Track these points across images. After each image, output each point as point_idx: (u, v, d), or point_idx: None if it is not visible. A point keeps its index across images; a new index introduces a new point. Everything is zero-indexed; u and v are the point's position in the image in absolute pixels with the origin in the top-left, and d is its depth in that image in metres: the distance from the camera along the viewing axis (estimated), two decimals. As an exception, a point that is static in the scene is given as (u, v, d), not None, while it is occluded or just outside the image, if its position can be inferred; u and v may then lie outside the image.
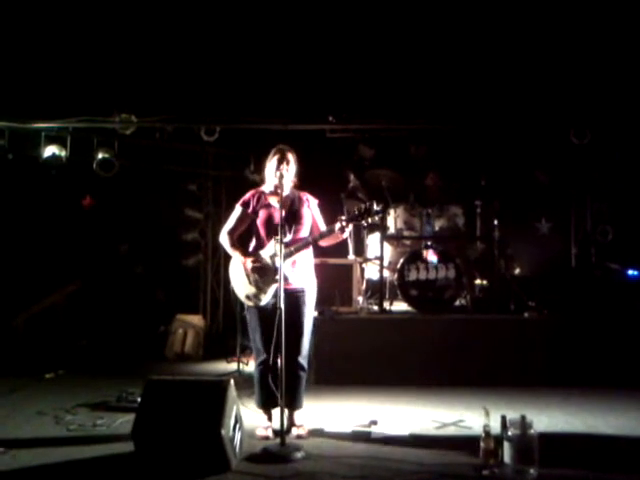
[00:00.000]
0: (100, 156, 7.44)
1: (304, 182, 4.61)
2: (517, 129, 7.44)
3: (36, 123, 7.17)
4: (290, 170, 4.33)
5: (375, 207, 4.10)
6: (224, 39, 7.60)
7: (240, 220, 4.42)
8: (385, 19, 7.55)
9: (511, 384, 5.71)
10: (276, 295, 4.05)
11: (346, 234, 4.23)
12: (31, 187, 7.71)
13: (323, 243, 4.37)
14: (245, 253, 4.33)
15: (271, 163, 4.34)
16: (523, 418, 3.59)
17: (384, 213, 6.94)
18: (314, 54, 7.65)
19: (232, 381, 3.70)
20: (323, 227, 4.46)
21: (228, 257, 4.49)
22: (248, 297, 4.28)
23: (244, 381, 5.67)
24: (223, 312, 8.61)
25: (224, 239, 4.43)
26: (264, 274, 4.19)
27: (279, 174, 4.24)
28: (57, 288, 8.00)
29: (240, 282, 4.31)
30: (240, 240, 4.44)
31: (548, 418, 4.75)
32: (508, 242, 7.43)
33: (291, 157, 4.35)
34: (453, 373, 5.90)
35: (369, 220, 4.16)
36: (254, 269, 4.19)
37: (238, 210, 4.43)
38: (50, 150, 7.23)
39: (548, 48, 7.56)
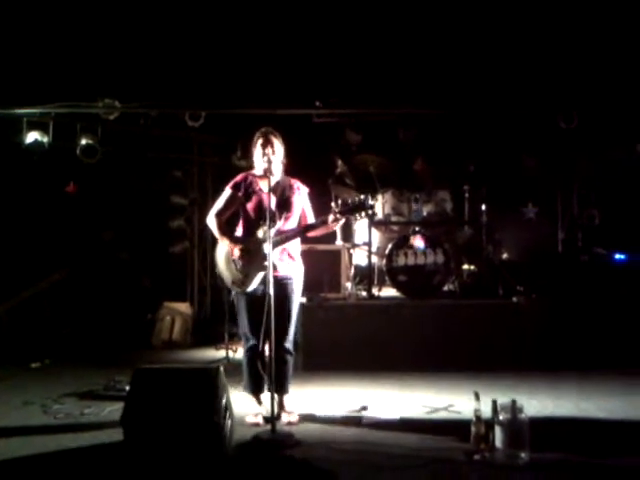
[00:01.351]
0: (83, 142, 7.31)
1: (291, 168, 4.56)
2: (505, 113, 7.42)
3: (18, 109, 7.03)
4: (277, 152, 4.26)
5: (370, 201, 4.07)
6: (209, 23, 7.47)
7: (229, 203, 4.35)
8: (372, 2, 7.47)
9: (501, 369, 5.71)
10: (263, 282, 4.01)
11: (337, 226, 4.19)
12: (13, 173, 7.57)
13: (312, 233, 4.33)
14: (233, 238, 4.27)
15: (257, 147, 4.27)
16: (514, 402, 3.58)
17: (372, 199, 6.89)
18: (300, 38, 7.54)
19: (221, 368, 3.66)
20: (312, 217, 4.41)
21: (215, 243, 4.43)
22: (234, 283, 4.24)
23: (233, 368, 5.61)
24: (211, 299, 8.57)
25: (211, 221, 4.35)
26: (252, 260, 4.13)
27: (266, 158, 4.18)
28: (42, 276, 7.88)
29: (226, 267, 4.25)
30: (228, 224, 4.37)
31: (539, 402, 4.76)
32: (496, 227, 7.42)
33: (275, 139, 4.28)
34: (442, 358, 5.89)
35: (362, 214, 4.13)
36: (242, 255, 4.14)
37: (227, 192, 4.36)
38: (32, 136, 7.10)
39: (535, 31, 7.51)
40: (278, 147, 4.29)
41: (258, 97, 7.18)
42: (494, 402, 3.65)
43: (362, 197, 4.09)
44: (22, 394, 5.14)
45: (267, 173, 4.12)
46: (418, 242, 6.49)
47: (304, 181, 4.55)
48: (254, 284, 4.14)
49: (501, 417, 3.57)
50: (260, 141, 4.27)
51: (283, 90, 7.40)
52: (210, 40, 7.51)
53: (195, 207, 8.60)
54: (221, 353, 6.59)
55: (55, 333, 7.59)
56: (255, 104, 7.06)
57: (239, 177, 4.39)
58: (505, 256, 7.77)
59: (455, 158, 7.52)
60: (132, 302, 8.31)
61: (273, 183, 4.17)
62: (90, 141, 7.35)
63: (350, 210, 4.10)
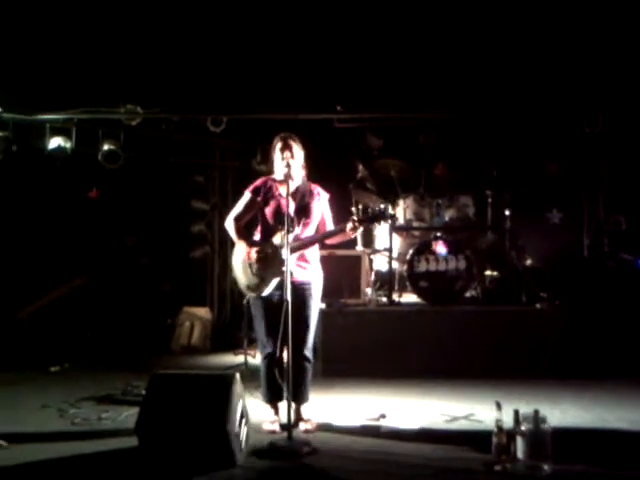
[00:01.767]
0: (106, 148, 7.35)
1: (312, 173, 4.52)
2: (528, 117, 7.30)
3: (41, 114, 7.08)
4: (296, 157, 4.22)
5: (390, 211, 4.02)
6: (230, 28, 7.49)
7: (248, 207, 4.32)
8: (393, 6, 7.42)
9: (523, 377, 5.59)
10: (279, 287, 3.97)
11: (355, 235, 4.13)
12: (36, 179, 7.63)
13: (330, 241, 4.28)
14: (250, 242, 4.24)
15: (276, 152, 4.24)
16: (536, 412, 3.49)
17: (394, 204, 6.85)
18: (321, 43, 7.52)
19: (237, 375, 3.62)
20: (331, 224, 4.36)
21: (234, 248, 4.40)
22: (249, 287, 4.20)
23: (251, 374, 5.59)
24: (230, 304, 8.54)
25: (230, 225, 4.33)
26: (268, 265, 4.09)
27: (285, 163, 4.14)
28: (63, 281, 7.93)
29: (242, 271, 4.21)
30: (246, 228, 4.34)
31: (561, 412, 4.64)
32: (519, 233, 7.30)
33: (294, 144, 4.24)
34: (464, 365, 5.80)
35: (381, 223, 4.07)
36: (259, 259, 4.10)
37: (247, 197, 4.33)
38: (55, 142, 7.14)
39: (560, 34, 7.40)
40: (297, 152, 4.25)
41: (279, 102, 7.17)
42: (516, 412, 3.56)
43: (382, 206, 4.03)
44: (40, 398, 5.15)
45: (287, 178, 4.08)
46: (440, 248, 6.40)
47: (325, 186, 4.50)
48: (269, 289, 4.10)
49: (523, 428, 3.48)
50: (279, 145, 4.24)
51: (304, 95, 7.38)
52: (232, 45, 7.52)
53: (216, 212, 8.59)
54: (240, 359, 6.54)
55: (75, 337, 7.63)
56: (276, 109, 7.05)
57: (259, 181, 4.36)
58: (529, 262, 7.63)
59: (477, 163, 7.42)
60: (152, 307, 8.31)
61: (293, 188, 4.13)
62: (112, 147, 7.37)
63: (369, 219, 4.05)
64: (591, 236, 8.32)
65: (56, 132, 7.17)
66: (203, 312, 7.84)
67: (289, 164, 4.14)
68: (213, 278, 8.58)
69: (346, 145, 7.92)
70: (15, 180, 7.46)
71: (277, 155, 4.23)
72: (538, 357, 5.84)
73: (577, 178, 8.20)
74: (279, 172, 4.25)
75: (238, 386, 3.56)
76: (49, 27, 7.07)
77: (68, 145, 7.18)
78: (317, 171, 4.65)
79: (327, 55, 7.54)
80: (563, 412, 4.67)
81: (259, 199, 4.28)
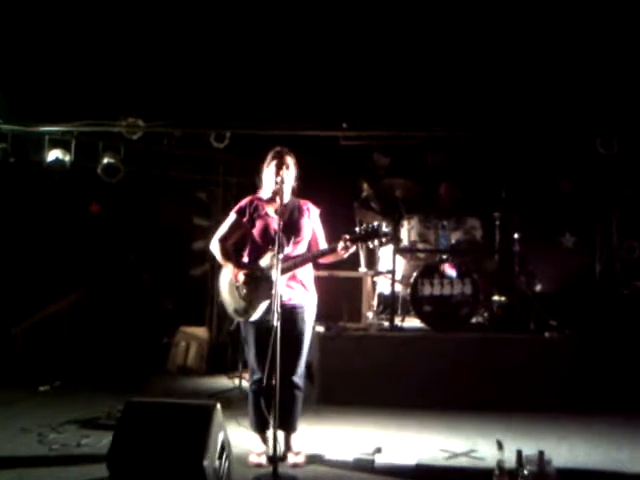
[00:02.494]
0: (105, 161, 7.22)
1: (315, 191, 4.32)
2: (540, 138, 7.09)
3: (40, 126, 7.00)
4: (290, 175, 4.02)
5: (384, 228, 3.78)
6: (234, 43, 7.35)
7: (234, 228, 4.12)
8: (402, 24, 7.26)
9: (529, 409, 5.31)
10: (269, 311, 3.73)
11: (347, 254, 3.90)
12: (34, 192, 7.49)
13: (323, 260, 4.06)
14: (238, 264, 4.03)
15: (269, 168, 4.04)
16: (541, 454, 3.23)
17: (398, 225, 6.63)
18: (328, 60, 7.36)
19: (218, 405, 3.38)
20: (323, 240, 4.15)
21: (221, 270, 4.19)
22: (237, 311, 3.98)
23: (245, 397, 5.30)
24: (228, 326, 8.30)
25: (215, 247, 4.13)
26: (256, 288, 3.87)
27: (279, 179, 3.93)
28: (60, 296, 7.76)
29: (229, 295, 4.01)
30: (234, 250, 4.14)
31: (568, 450, 4.36)
32: (529, 257, 7.03)
33: (290, 161, 4.04)
34: (467, 396, 5.51)
35: (375, 242, 3.84)
36: (246, 282, 3.88)
37: (232, 217, 4.14)
38: (54, 154, 7.04)
39: (575, 53, 7.19)
40: (292, 170, 4.05)
41: (284, 118, 7.01)
42: (519, 453, 3.30)
43: (376, 224, 3.80)
44: (22, 420, 4.93)
45: (276, 195, 3.87)
46: (448, 271, 6.16)
47: (328, 204, 4.29)
48: (258, 313, 3.87)
49: (526, 471, 3.21)
50: (275, 161, 4.03)
51: (310, 111, 7.21)
52: (237, 59, 7.38)
53: (217, 229, 8.38)
54: (234, 381, 6.28)
55: (71, 355, 7.43)
56: (281, 125, 6.89)
57: (244, 201, 4.16)
58: (538, 287, 7.36)
59: (486, 184, 7.18)
60: (151, 325, 8.12)
61: (280, 206, 3.91)
62: (112, 160, 7.24)
63: (362, 237, 3.82)
64: (603, 262, 8.06)
65: (55, 144, 7.07)
66: (200, 332, 7.62)
67: (283, 181, 3.93)
68: (213, 297, 8.35)
69: (351, 163, 7.73)
70: (12, 193, 7.31)
71: (270, 170, 4.02)
72: (545, 389, 5.53)
73: (590, 199, 7.96)
74: (268, 189, 4.06)
75: (219, 416, 3.32)
76: (49, 38, 6.96)
77: (67, 158, 7.08)
78: (321, 189, 4.45)
79: (334, 71, 7.37)
80: (571, 449, 4.40)
81: (245, 220, 4.08)
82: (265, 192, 4.11)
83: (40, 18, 6.87)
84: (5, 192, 7.23)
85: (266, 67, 7.36)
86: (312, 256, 3.99)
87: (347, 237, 3.80)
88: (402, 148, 7.56)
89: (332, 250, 3.90)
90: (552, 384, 5.56)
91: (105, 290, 8.14)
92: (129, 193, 7.92)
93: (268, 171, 4.05)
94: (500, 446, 3.36)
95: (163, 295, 8.52)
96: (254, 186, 7.70)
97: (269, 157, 4.07)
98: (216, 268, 8.24)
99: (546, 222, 7.79)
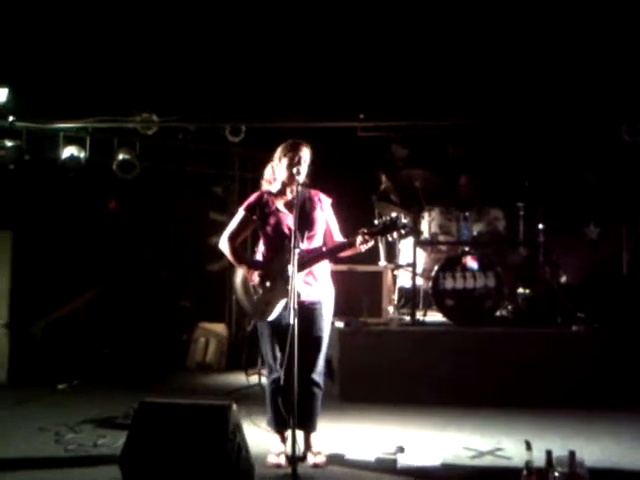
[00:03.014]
0: (120, 157, 7.18)
1: (333, 184, 4.19)
2: (563, 125, 6.89)
3: (54, 123, 6.97)
4: (304, 168, 3.88)
5: (402, 220, 3.63)
6: (249, 34, 7.22)
7: (243, 226, 3.98)
8: (420, 10, 7.08)
9: (557, 406, 5.14)
10: (286, 309, 3.62)
11: (366, 248, 3.76)
12: (49, 189, 7.43)
13: (340, 255, 3.90)
14: (251, 263, 3.90)
15: (283, 160, 3.89)
16: (572, 455, 3.06)
17: (418, 217, 6.48)
18: (344, 48, 7.21)
19: (234, 405, 3.26)
20: (337, 232, 4.00)
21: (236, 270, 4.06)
22: (255, 313, 3.87)
23: (263, 395, 5.21)
24: (247, 322, 8.20)
25: (224, 246, 3.98)
26: (273, 287, 3.75)
27: (296, 170, 3.79)
28: (78, 294, 7.71)
29: (245, 295, 3.89)
30: (244, 247, 4.02)
31: (600, 449, 4.18)
32: (554, 248, 6.83)
33: (307, 153, 3.90)
34: (492, 392, 5.35)
35: (394, 235, 3.69)
36: (262, 281, 3.76)
37: (241, 214, 3.98)
38: (69, 151, 7.02)
39: (596, 36, 6.97)
40: (307, 162, 3.90)
41: (300, 110, 6.88)
42: (549, 454, 3.14)
43: (394, 215, 3.65)
44: (40, 419, 4.85)
45: (290, 189, 3.74)
46: (470, 263, 5.99)
47: (347, 197, 4.16)
48: (276, 312, 3.75)
49: (557, 473, 3.05)
50: (291, 153, 3.87)
51: (326, 102, 7.07)
52: (251, 51, 7.25)
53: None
54: (253, 378, 6.18)
55: (90, 352, 7.38)
56: (297, 117, 6.77)
57: (253, 197, 4.01)
58: (564, 279, 7.16)
59: (509, 173, 6.99)
60: (170, 322, 8.05)
61: (290, 199, 3.76)
62: (127, 156, 7.21)
63: (380, 230, 3.67)
64: (631, 252, 7.84)
65: (70, 141, 7.05)
66: (219, 328, 7.54)
67: (299, 172, 3.80)
68: (231, 293, 8.26)
69: (369, 155, 7.58)
70: (28, 190, 7.26)
71: (284, 164, 3.87)
72: (575, 385, 5.35)
73: (616, 190, 7.73)
74: (279, 182, 3.93)
75: (235, 417, 3.20)
76: (63, 34, 6.90)
77: (82, 155, 7.06)
78: (339, 181, 4.32)
79: (351, 60, 7.22)
80: (602, 449, 4.21)
81: (255, 217, 3.93)
82: (275, 185, 3.97)
83: (53, 15, 6.81)
84: (21, 190, 7.18)
85: (280, 58, 7.24)
86: (329, 251, 3.85)
87: (365, 231, 3.66)
88: (421, 139, 7.40)
89: (350, 244, 3.75)
90: (580, 380, 5.37)
91: (123, 287, 8.08)
92: (145, 189, 7.84)
93: (282, 164, 3.90)
94: (529, 446, 3.20)
95: (181, 292, 8.43)
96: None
97: (283, 148, 3.93)
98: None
99: (570, 213, 7.58)
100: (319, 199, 3.98)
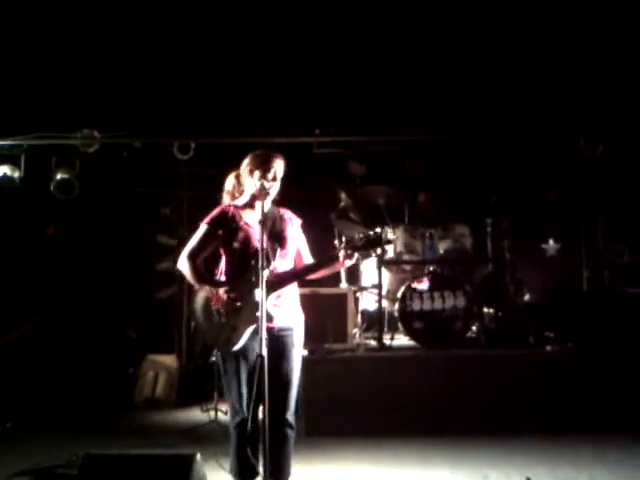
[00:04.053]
0: (58, 177, 6.64)
1: (289, 202, 3.81)
2: (522, 139, 6.74)
3: (-16, 140, 6.39)
4: (277, 181, 3.49)
5: (388, 234, 3.30)
6: (199, 44, 6.83)
7: (206, 242, 3.54)
8: (376, 21, 6.84)
9: (537, 431, 4.85)
10: (254, 337, 3.19)
11: (350, 263, 3.39)
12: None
13: (315, 275, 3.52)
14: (215, 283, 3.46)
15: (255, 173, 3.47)
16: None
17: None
18: (298, 60, 6.90)
19: (198, 456, 2.81)
20: (308, 254, 3.63)
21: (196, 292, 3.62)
22: (218, 341, 3.40)
23: (222, 433, 4.74)
24: (201, 350, 7.69)
25: (184, 265, 3.54)
26: (240, 311, 3.31)
27: (268, 185, 3.40)
28: (12, 326, 7.06)
29: (207, 322, 3.41)
30: (206, 267, 3.58)
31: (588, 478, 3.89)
32: (516, 265, 6.65)
33: (282, 166, 3.51)
34: (468, 419, 5.04)
35: (377, 250, 3.36)
36: (227, 304, 3.32)
37: (203, 229, 3.55)
38: (1, 170, 6.46)
39: (555, 52, 6.88)
40: (281, 173, 3.52)
41: (252, 125, 6.52)
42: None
43: (378, 230, 3.31)
44: (-34, 473, 4.27)
45: (260, 200, 3.34)
46: (421, 285, 5.72)
47: (304, 216, 3.76)
48: (242, 341, 3.31)
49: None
50: (263, 163, 3.46)
51: (280, 118, 6.74)
52: (200, 63, 6.86)
53: (184, 247, 7.79)
54: (210, 414, 5.67)
55: (24, 390, 6.72)
56: (249, 133, 6.40)
57: (216, 211, 3.58)
58: (527, 298, 6.98)
59: (473, 189, 6.79)
60: (115, 354, 7.47)
61: (259, 215, 3.39)
62: (66, 176, 6.68)
63: (363, 245, 3.32)
64: (591, 268, 7.75)
65: (3, 160, 6.49)
66: (169, 360, 7.01)
67: (271, 186, 3.42)
68: (181, 321, 7.75)
69: (326, 172, 7.27)
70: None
71: (255, 176, 3.47)
72: (553, 408, 5.10)
73: (575, 204, 7.66)
74: (247, 195, 3.53)
75: (200, 470, 2.74)
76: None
77: (16, 174, 6.53)
78: (294, 200, 3.94)
79: (305, 74, 6.91)
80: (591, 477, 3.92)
81: (220, 232, 3.51)
82: (243, 199, 3.58)
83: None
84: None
85: (232, 70, 6.87)
86: (305, 269, 3.46)
87: (348, 245, 3.31)
88: (378, 155, 7.15)
89: (331, 260, 3.38)
90: (559, 402, 5.13)
91: (62, 317, 7.46)
92: (86, 211, 7.30)
93: (251, 175, 3.50)
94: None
95: (127, 321, 7.87)
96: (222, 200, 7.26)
97: (254, 161, 3.51)
98: (185, 290, 7.76)
99: (530, 228, 7.46)
100: (290, 217, 3.61)
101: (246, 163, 3.53)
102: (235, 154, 6.40)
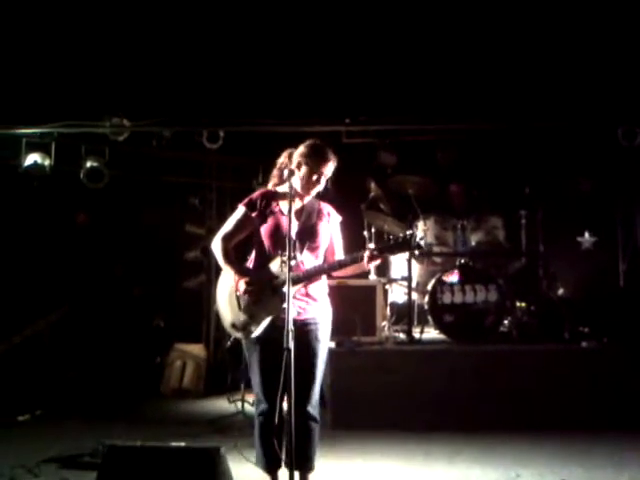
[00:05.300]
0: (88, 165, 6.65)
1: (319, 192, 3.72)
2: (558, 129, 6.55)
3: (16, 128, 6.39)
4: (321, 184, 3.45)
5: (418, 239, 3.18)
6: (228, 34, 6.77)
7: (241, 224, 3.48)
8: (410, 8, 6.70)
9: (573, 428, 4.72)
10: (273, 328, 3.14)
11: (374, 265, 3.31)
12: (9, 199, 6.86)
13: (341, 273, 3.44)
14: (241, 268, 3.40)
15: (303, 168, 3.39)
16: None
17: (412, 227, 6.05)
18: (328, 49, 6.79)
19: (222, 449, 2.75)
20: (341, 252, 3.55)
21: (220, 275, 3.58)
22: (234, 325, 3.36)
23: (249, 424, 4.68)
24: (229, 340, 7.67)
25: (217, 246, 3.49)
26: (260, 300, 3.25)
27: (317, 178, 3.38)
28: (42, 315, 7.10)
29: (227, 305, 3.38)
30: (237, 251, 3.52)
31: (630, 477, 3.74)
32: (550, 258, 6.47)
33: (332, 167, 3.44)
34: (500, 415, 4.92)
35: (406, 253, 3.26)
36: (249, 291, 3.26)
37: (240, 211, 3.50)
38: (32, 158, 6.47)
39: (593, 38, 6.66)
40: (328, 175, 3.46)
41: (281, 114, 6.44)
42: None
43: (409, 233, 3.20)
44: (-4, 458, 4.28)
45: (304, 191, 3.32)
46: (451, 278, 5.59)
47: (333, 206, 3.67)
48: (259, 329, 3.25)
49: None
50: (320, 156, 3.39)
51: (309, 106, 6.65)
52: (230, 52, 6.80)
53: (212, 237, 7.74)
54: (236, 405, 5.62)
55: (53, 379, 6.77)
56: (278, 122, 6.32)
57: (255, 194, 3.54)
58: (561, 292, 6.79)
59: (507, 180, 6.62)
60: (143, 343, 7.49)
61: (298, 205, 3.29)
62: (96, 164, 6.69)
63: (390, 248, 3.22)
64: (628, 262, 7.52)
65: (33, 148, 6.50)
66: (197, 349, 7.01)
67: (320, 180, 3.40)
68: (209, 311, 7.73)
69: (356, 163, 7.14)
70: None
71: (303, 171, 3.39)
72: (591, 406, 4.93)
73: (611, 197, 7.43)
74: (287, 186, 3.43)
75: (223, 463, 2.68)
76: (27, 33, 6.37)
77: (47, 162, 6.53)
78: (324, 190, 3.85)
79: (335, 62, 6.80)
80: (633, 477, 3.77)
81: (254, 215, 3.45)
82: (282, 187, 3.48)
83: (15, 14, 6.28)
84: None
85: (261, 58, 6.79)
86: (330, 267, 3.37)
87: (373, 247, 3.24)
88: (410, 145, 7.00)
89: (354, 261, 3.28)
90: (595, 400, 4.97)
91: (91, 307, 7.49)
92: (115, 199, 7.30)
93: (300, 171, 3.41)
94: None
95: (155, 309, 7.88)
96: (251, 190, 7.18)
97: (307, 154, 3.41)
98: (213, 279, 7.73)
99: (565, 221, 7.26)
100: (328, 213, 3.54)
101: (300, 153, 3.45)
102: (264, 143, 6.40)
